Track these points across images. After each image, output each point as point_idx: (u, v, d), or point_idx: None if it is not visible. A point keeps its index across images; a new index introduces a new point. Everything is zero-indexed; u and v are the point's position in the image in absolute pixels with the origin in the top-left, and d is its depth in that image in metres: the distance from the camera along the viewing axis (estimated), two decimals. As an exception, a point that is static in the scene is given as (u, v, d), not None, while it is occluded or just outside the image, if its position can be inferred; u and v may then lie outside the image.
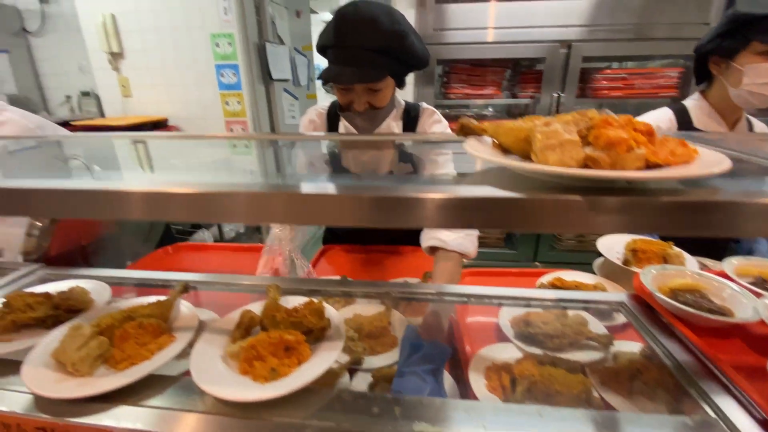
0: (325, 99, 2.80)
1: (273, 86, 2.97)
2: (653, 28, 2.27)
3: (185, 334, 0.63)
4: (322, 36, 0.98)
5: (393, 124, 1.15)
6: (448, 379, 0.68)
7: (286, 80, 3.14)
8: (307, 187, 0.43)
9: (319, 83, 6.41)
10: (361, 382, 0.66)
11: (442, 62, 2.50)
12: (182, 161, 0.82)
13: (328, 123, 1.18)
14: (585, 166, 0.36)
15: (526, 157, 0.40)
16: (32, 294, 0.70)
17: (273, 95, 3.00)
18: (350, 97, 0.99)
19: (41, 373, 0.54)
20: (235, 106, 2.78)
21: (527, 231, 2.31)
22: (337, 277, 1.02)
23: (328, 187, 0.44)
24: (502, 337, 0.82)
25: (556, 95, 2.40)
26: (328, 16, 6.47)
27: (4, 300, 0.67)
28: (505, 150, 0.43)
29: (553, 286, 0.99)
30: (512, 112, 2.89)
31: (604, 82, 2.40)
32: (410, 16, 2.45)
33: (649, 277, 0.77)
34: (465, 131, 0.47)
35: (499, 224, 0.33)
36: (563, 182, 0.37)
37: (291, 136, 1.04)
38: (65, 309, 0.68)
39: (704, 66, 1.29)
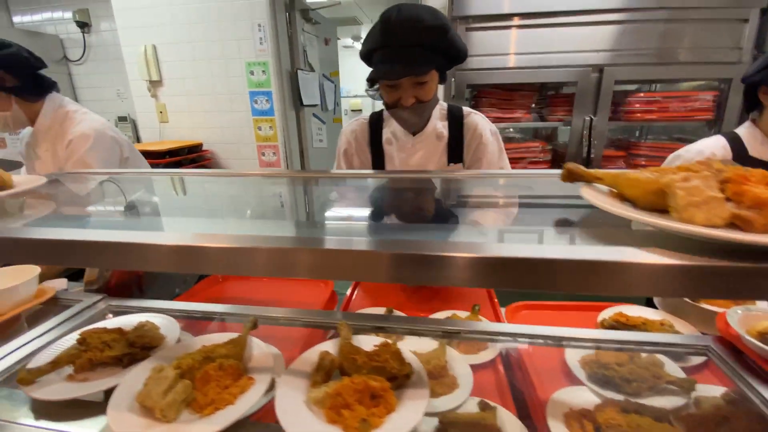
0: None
1: (303, 111, 3.04)
2: (686, 51, 2.26)
3: (263, 375, 0.62)
4: (367, 42, 1.03)
5: (439, 124, 1.18)
6: (516, 424, 0.64)
7: (314, 105, 3.21)
8: (334, 242, 0.43)
9: (346, 106, 6.46)
10: (426, 428, 0.63)
11: (471, 86, 2.52)
12: (221, 202, 0.83)
13: (370, 131, 1.22)
14: (731, 225, 0.34)
15: (655, 210, 0.38)
16: (107, 330, 0.70)
17: (303, 120, 3.06)
18: (397, 94, 1.03)
19: (128, 419, 0.53)
20: (267, 131, 2.85)
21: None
22: (380, 310, 1.00)
23: (377, 243, 0.42)
24: (572, 379, 0.78)
25: (588, 118, 2.38)
26: (350, 42, 6.67)
27: (79, 337, 0.68)
28: (623, 199, 0.42)
29: (617, 322, 0.95)
30: (540, 135, 2.88)
31: (638, 105, 2.37)
32: (440, 43, 2.50)
33: (736, 318, 0.73)
34: (572, 177, 0.46)
35: (671, 292, 0.31)
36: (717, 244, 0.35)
37: (337, 174, 1.04)
38: (140, 346, 0.68)
39: (754, 95, 1.27)
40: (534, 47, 2.35)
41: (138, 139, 3.59)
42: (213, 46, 2.72)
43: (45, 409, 0.59)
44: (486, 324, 0.89)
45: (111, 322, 0.78)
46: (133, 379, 0.60)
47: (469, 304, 1.10)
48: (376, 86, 1.13)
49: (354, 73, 6.35)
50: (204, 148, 2.97)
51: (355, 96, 7.24)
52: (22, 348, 0.73)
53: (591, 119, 2.37)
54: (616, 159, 2.51)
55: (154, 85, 2.89)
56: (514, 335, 0.84)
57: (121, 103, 3.56)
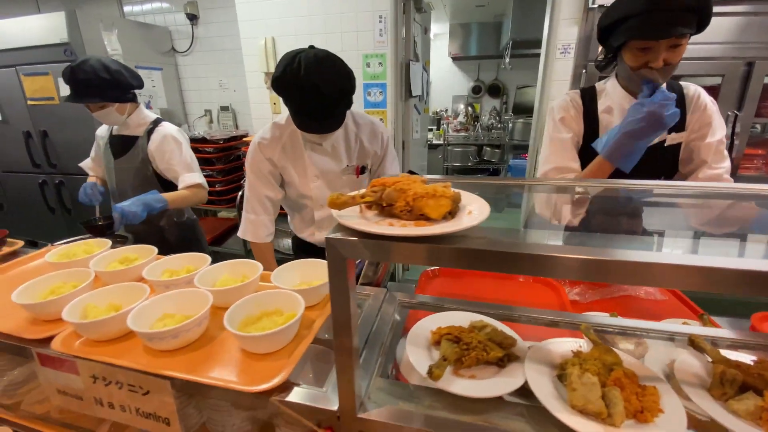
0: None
1: (408, 103, 3.04)
2: None
3: (663, 386, 0.64)
4: (618, 8, 1.06)
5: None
6: None
7: (417, 96, 3.21)
8: None
9: (442, 94, 6.28)
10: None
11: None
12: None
13: (583, 104, 1.26)
14: None
15: None
16: (466, 330, 0.75)
17: (407, 112, 3.07)
18: (647, 57, 1.06)
19: (582, 422, 0.57)
20: (377, 123, 2.88)
21: None
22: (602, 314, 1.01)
23: None
24: None
25: (732, 114, 2.26)
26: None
27: (458, 336, 0.72)
28: None
29: None
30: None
31: (790, 101, 2.22)
32: (573, 33, 2.43)
33: None
34: None
35: None
36: None
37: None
38: (506, 347, 0.72)
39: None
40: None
41: (237, 128, 3.72)
42: (332, 39, 2.75)
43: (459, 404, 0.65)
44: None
45: (435, 319, 0.83)
46: (540, 382, 0.64)
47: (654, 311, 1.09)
48: (609, 55, 1.17)
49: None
50: (315, 139, 3.04)
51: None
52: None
53: (736, 115, 2.25)
54: (757, 157, 2.38)
55: (269, 76, 2.97)
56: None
57: (223, 93, 3.69)
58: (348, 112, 1.39)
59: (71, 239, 1.31)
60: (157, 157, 1.70)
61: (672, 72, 1.10)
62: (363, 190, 0.57)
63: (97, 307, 0.86)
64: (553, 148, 1.30)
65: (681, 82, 1.26)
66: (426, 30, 3.51)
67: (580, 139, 1.29)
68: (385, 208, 0.55)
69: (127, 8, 3.70)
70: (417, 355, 0.73)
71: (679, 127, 1.22)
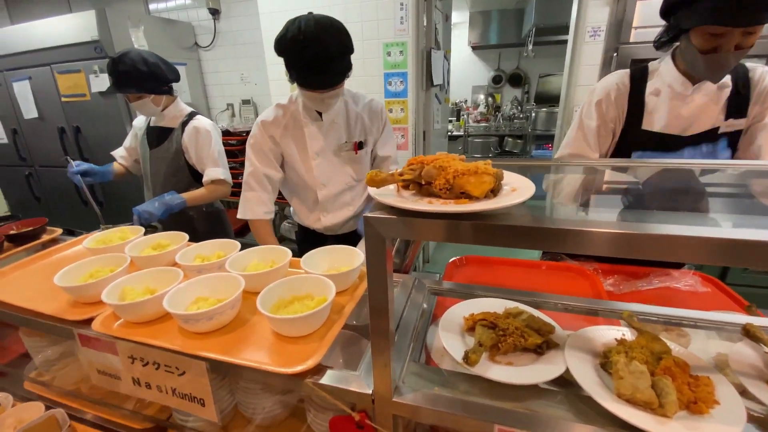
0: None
1: (430, 92, 3.00)
2: None
3: (716, 376, 0.61)
4: None
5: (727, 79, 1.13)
6: None
7: (439, 85, 3.16)
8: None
9: (461, 84, 6.18)
10: None
11: (638, 62, 2.33)
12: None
13: (631, 84, 1.19)
14: None
15: None
16: (500, 316, 0.73)
17: (428, 101, 3.03)
18: (718, 41, 0.99)
19: (632, 413, 0.54)
20: (398, 114, 2.85)
21: None
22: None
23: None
24: None
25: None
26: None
27: (493, 322, 0.70)
28: None
29: None
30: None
31: None
32: (603, 15, 2.32)
33: None
34: None
35: None
36: None
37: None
38: (544, 333, 0.70)
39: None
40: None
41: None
42: (352, 29, 2.68)
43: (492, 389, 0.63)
44: None
45: (467, 305, 0.82)
46: (583, 370, 0.62)
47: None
48: (671, 34, 1.08)
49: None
50: (335, 130, 3.04)
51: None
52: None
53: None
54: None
55: (291, 68, 2.97)
56: None
57: (244, 87, 3.73)
58: (347, 91, 1.45)
59: (109, 226, 1.35)
60: (189, 149, 1.75)
61: (743, 56, 1.02)
62: (400, 168, 0.56)
63: (134, 290, 0.88)
64: (577, 134, 1.26)
65: (747, 64, 1.15)
66: (447, 17, 3.44)
67: (617, 124, 1.22)
68: (423, 186, 0.53)
69: (152, 5, 3.77)
70: (451, 341, 0.71)
71: (740, 112, 1.13)
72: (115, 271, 0.95)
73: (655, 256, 0.40)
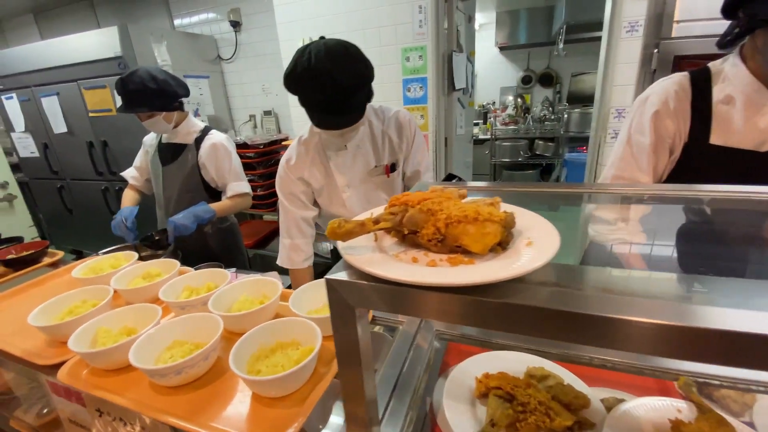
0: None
1: (452, 96, 2.85)
2: None
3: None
4: None
5: None
6: None
7: (461, 89, 3.01)
8: None
9: (489, 86, 6.04)
10: None
11: (682, 58, 2.10)
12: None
13: (693, 90, 0.98)
14: None
15: None
16: (531, 383, 0.58)
17: (450, 106, 2.88)
18: None
19: None
20: (418, 121, 2.72)
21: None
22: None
23: None
24: None
25: None
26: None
27: (510, 392, 0.56)
28: None
29: None
30: None
31: None
32: (641, 8, 2.10)
33: None
34: None
35: None
36: None
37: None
38: (575, 409, 0.55)
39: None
40: None
41: (279, 131, 3.75)
42: (369, 35, 2.64)
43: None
44: None
45: (480, 361, 0.67)
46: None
47: None
48: (739, 29, 0.88)
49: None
50: (353, 139, 2.95)
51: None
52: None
53: None
54: None
55: (308, 77, 2.92)
56: None
57: (266, 98, 3.72)
58: (370, 108, 1.28)
59: (108, 250, 1.30)
60: (208, 166, 1.70)
61: None
62: (377, 211, 0.43)
63: (109, 331, 0.80)
64: (625, 153, 1.04)
65: None
66: (470, 18, 3.28)
67: (678, 139, 1.00)
68: (408, 235, 0.41)
69: (177, 21, 3.85)
70: (457, 413, 0.58)
71: None
72: (97, 306, 0.88)
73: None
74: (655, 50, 2.10)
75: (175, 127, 1.72)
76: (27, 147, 3.52)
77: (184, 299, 0.90)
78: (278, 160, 3.12)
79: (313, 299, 0.87)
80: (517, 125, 5.32)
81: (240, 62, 3.68)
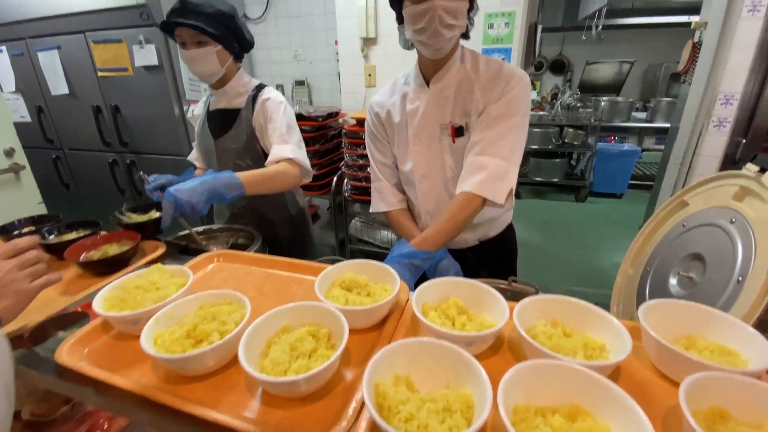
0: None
1: (528, 72, 2.57)
2: None
3: None
4: None
5: None
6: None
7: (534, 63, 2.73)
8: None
9: None
10: None
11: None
12: None
13: None
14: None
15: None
16: None
17: (523, 85, 2.60)
18: None
19: None
20: (494, 98, 2.43)
21: None
22: None
23: None
24: None
25: None
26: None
27: None
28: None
29: None
30: None
31: None
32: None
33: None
34: None
35: None
36: None
37: None
38: None
39: None
40: None
41: (311, 103, 3.35)
42: (448, -5, 2.29)
43: None
44: None
45: None
46: None
47: None
48: None
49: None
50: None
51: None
52: None
53: None
54: None
55: (368, 43, 2.55)
56: None
57: (298, 66, 3.30)
58: (469, 55, 1.05)
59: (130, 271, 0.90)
60: (257, 128, 1.35)
61: None
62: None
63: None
64: None
65: None
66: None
67: None
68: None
69: (193, -31, 3.32)
70: None
71: None
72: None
73: None
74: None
75: (223, 85, 1.34)
76: (17, 110, 2.96)
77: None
78: (334, 135, 2.74)
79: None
80: (543, 111, 5.10)
81: (270, 23, 3.22)
